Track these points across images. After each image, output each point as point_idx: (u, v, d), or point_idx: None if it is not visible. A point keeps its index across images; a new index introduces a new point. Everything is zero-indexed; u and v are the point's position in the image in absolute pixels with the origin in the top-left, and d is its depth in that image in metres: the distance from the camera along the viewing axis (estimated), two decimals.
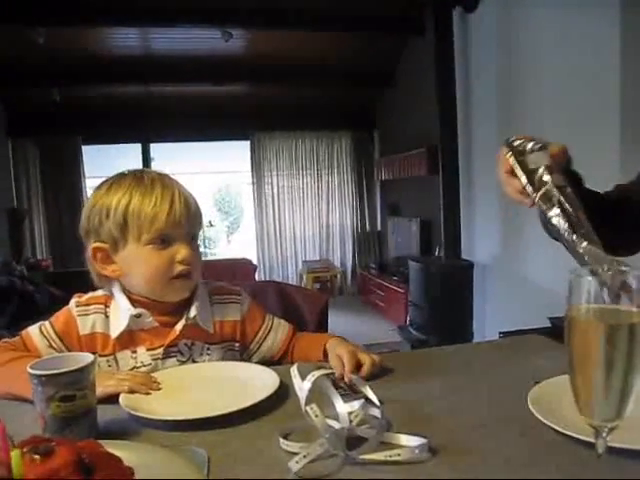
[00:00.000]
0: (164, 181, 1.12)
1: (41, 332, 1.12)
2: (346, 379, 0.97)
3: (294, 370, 0.78)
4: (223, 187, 9.76)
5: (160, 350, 1.13)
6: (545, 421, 0.77)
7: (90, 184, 6.74)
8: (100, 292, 1.18)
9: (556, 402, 0.78)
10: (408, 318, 5.21)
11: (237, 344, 1.22)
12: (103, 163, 6.80)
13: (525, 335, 1.28)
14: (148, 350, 1.14)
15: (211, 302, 1.21)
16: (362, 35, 5.65)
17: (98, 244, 1.11)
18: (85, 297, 1.17)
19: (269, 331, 1.24)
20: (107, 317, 1.14)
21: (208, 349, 1.17)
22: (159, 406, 0.92)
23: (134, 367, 1.13)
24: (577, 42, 3.15)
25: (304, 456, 0.70)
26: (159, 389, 0.99)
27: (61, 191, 6.60)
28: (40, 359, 0.85)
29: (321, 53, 5.89)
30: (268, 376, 1.00)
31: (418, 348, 4.62)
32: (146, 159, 6.89)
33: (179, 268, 1.11)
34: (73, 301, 1.17)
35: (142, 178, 1.12)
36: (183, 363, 1.15)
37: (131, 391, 0.95)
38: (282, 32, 5.40)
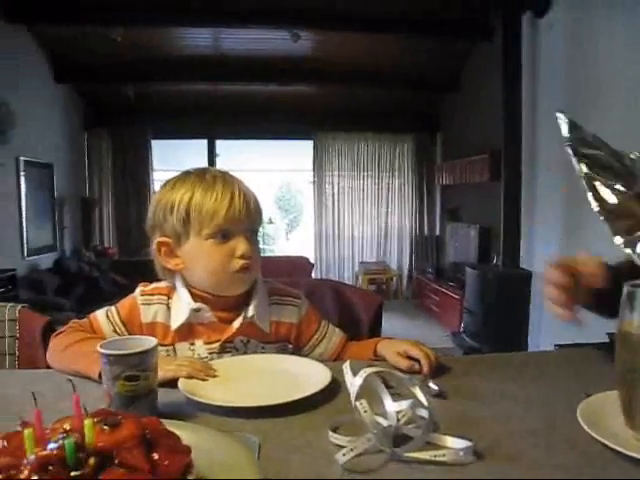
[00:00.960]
0: (225, 178, 1.16)
1: (107, 317, 1.19)
2: (425, 371, 1.04)
3: (346, 366, 0.81)
4: (284, 185, 9.89)
5: (217, 345, 1.17)
6: (593, 434, 0.76)
7: (157, 177, 7.01)
8: (164, 284, 1.23)
9: (606, 416, 0.77)
10: (462, 325, 5.14)
11: (290, 346, 1.25)
12: (171, 157, 7.06)
13: (580, 348, 1.25)
14: (205, 344, 1.18)
15: (269, 302, 1.24)
16: (428, 38, 5.61)
17: (162, 238, 1.16)
18: (150, 287, 1.23)
19: (323, 337, 1.27)
20: (169, 308, 1.19)
21: (263, 348, 1.21)
22: (215, 393, 0.96)
23: None
24: None
25: (351, 449, 0.73)
26: (215, 376, 1.03)
27: (130, 182, 6.89)
28: (109, 340, 0.91)
29: (386, 56, 5.89)
30: (321, 371, 1.03)
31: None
32: (211, 155, 7.09)
33: (239, 263, 1.13)
34: (138, 290, 1.22)
35: (204, 175, 1.16)
36: None
37: (189, 377, 1.00)
38: (349, 35, 5.43)
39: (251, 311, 1.17)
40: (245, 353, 1.19)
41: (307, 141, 7.19)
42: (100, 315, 1.20)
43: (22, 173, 5.15)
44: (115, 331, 1.17)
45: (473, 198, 6.18)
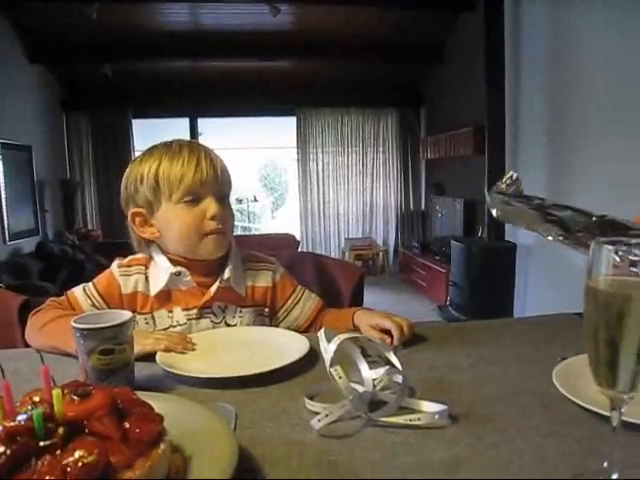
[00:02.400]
0: (192, 146, 1.20)
1: (85, 292, 1.20)
2: (396, 343, 1.05)
3: (321, 333, 0.81)
4: (269, 163, 9.84)
5: (195, 311, 1.19)
6: (567, 394, 0.78)
7: None
8: (140, 255, 1.24)
9: (579, 378, 0.78)
10: (448, 298, 5.19)
11: (266, 309, 1.27)
12: (152, 137, 6.94)
13: (558, 314, 1.26)
14: (183, 310, 1.19)
15: (244, 268, 1.26)
16: (411, 9, 5.54)
17: (136, 209, 1.19)
18: (127, 259, 1.24)
19: (298, 300, 1.29)
20: (147, 278, 1.21)
21: (240, 311, 1.23)
22: (193, 365, 0.96)
23: (170, 326, 1.19)
24: (634, 20, 3.01)
25: (326, 415, 0.73)
26: (194, 349, 1.04)
27: (111, 163, 6.79)
28: (83, 314, 0.91)
29: (368, 28, 5.82)
30: (298, 341, 1.04)
31: None
32: (193, 133, 7.02)
33: (210, 225, 1.16)
34: (115, 263, 1.24)
35: (171, 145, 1.19)
36: (216, 324, 1.20)
37: (167, 350, 1.00)
38: (329, 7, 5.35)
39: (227, 273, 1.19)
40: (223, 319, 1.21)
41: (290, 117, 7.12)
42: (77, 291, 1.21)
43: None
44: (93, 305, 1.18)
45: (458, 172, 6.19)
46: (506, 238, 4.61)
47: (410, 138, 7.35)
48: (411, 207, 7.50)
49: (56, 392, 0.55)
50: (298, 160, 7.23)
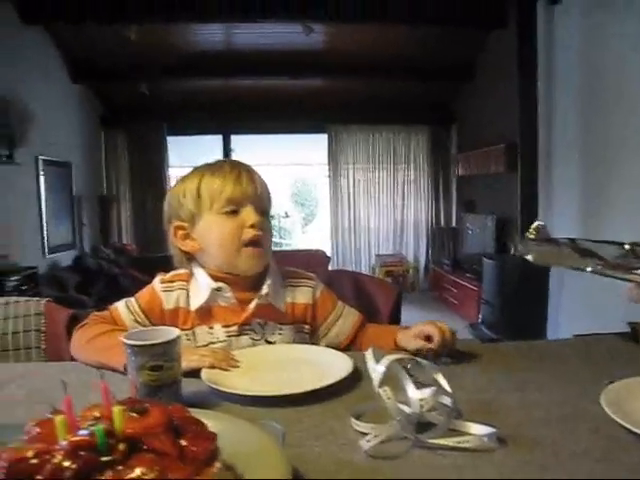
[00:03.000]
0: (233, 162, 1.26)
1: (127, 307, 1.22)
2: (436, 346, 1.08)
3: (369, 353, 0.81)
4: (300, 179, 9.90)
5: (235, 327, 1.20)
6: (617, 419, 0.76)
7: (173, 173, 7.07)
8: (182, 270, 1.26)
9: (629, 402, 0.77)
10: (480, 316, 5.12)
11: (307, 326, 1.27)
12: (186, 153, 7.10)
13: (600, 336, 1.24)
14: (224, 327, 1.20)
15: (284, 284, 1.27)
16: (441, 27, 5.55)
17: (178, 222, 1.22)
18: (169, 275, 1.26)
19: (339, 317, 1.29)
20: (188, 293, 1.23)
21: (280, 328, 1.23)
22: (237, 382, 0.97)
23: (210, 342, 1.20)
24: None
25: (375, 436, 0.73)
26: (237, 366, 1.05)
27: (146, 179, 6.94)
28: (133, 331, 0.93)
29: (400, 46, 5.84)
30: (342, 360, 1.04)
31: None
32: (226, 150, 7.12)
33: (250, 233, 1.18)
34: (157, 279, 1.26)
35: (213, 163, 1.25)
36: (256, 341, 1.21)
37: (212, 366, 1.01)
38: (360, 26, 5.39)
39: (265, 289, 1.20)
40: (263, 335, 1.21)
41: (322, 134, 7.18)
42: (120, 306, 1.23)
43: (41, 172, 5.21)
44: (136, 320, 1.20)
45: (489, 189, 6.13)
46: None
47: (441, 155, 7.33)
48: (442, 224, 7.45)
49: (117, 409, 0.57)
50: (329, 176, 7.26)
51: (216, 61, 5.98)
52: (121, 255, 6.32)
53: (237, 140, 7.23)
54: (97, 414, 0.59)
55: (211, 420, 0.70)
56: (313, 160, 7.69)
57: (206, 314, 1.21)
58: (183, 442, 0.59)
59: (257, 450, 0.68)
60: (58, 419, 0.55)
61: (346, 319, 1.29)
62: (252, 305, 1.20)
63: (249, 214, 1.18)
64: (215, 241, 1.19)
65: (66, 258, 5.65)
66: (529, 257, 0.97)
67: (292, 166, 8.23)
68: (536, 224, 1.00)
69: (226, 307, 1.21)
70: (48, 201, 5.33)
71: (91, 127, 6.61)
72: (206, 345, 1.20)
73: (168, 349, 0.85)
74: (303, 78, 6.36)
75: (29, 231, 5.04)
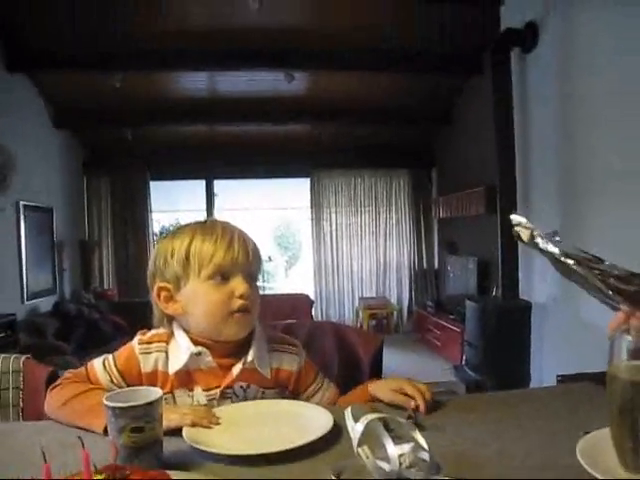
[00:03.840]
0: (225, 225, 1.20)
1: (104, 367, 1.18)
2: (421, 409, 1.07)
3: (348, 412, 0.82)
4: (283, 223, 9.95)
5: (216, 391, 1.17)
6: (592, 472, 0.78)
7: (156, 217, 7.08)
8: (162, 330, 1.22)
9: (604, 453, 0.78)
10: (464, 358, 5.12)
11: (288, 392, 1.25)
12: (169, 198, 7.13)
13: (578, 383, 1.26)
14: (204, 390, 1.17)
15: (269, 349, 1.24)
16: (420, 74, 5.73)
17: (163, 283, 1.18)
18: (148, 335, 1.22)
19: (319, 389, 1.28)
20: (167, 355, 1.19)
21: (263, 393, 1.21)
22: (219, 440, 0.96)
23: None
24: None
25: None
26: (219, 424, 1.03)
27: (129, 224, 6.94)
28: (114, 392, 0.93)
29: (380, 92, 6.02)
30: (323, 416, 1.04)
31: (473, 388, 4.52)
32: (210, 195, 7.17)
33: (238, 303, 1.15)
34: (136, 339, 1.21)
35: (204, 222, 1.22)
36: None
37: (193, 424, 1.00)
38: (341, 73, 5.55)
39: (251, 356, 1.17)
40: (245, 399, 1.18)
41: (304, 179, 7.28)
42: (97, 364, 1.19)
43: (22, 217, 5.19)
44: (112, 381, 1.17)
45: (470, 231, 6.23)
46: (521, 297, 4.59)
47: (422, 198, 7.47)
48: (424, 265, 7.51)
49: (97, 479, 0.57)
50: (312, 220, 7.33)
51: (200, 107, 6.09)
52: (102, 300, 6.26)
53: (220, 185, 7.29)
54: None
55: None
56: (296, 204, 7.76)
57: (185, 377, 1.18)
58: None
59: None
60: None
61: (325, 392, 1.28)
62: (236, 370, 1.17)
63: (238, 284, 1.15)
64: (201, 308, 1.16)
65: (46, 304, 5.58)
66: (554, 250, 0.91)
67: (275, 210, 8.29)
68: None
69: (207, 371, 1.18)
70: (28, 246, 5.29)
71: (73, 172, 6.63)
72: None
73: (150, 410, 0.85)
74: (286, 124, 6.49)
75: (8, 277, 4.97)
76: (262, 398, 1.20)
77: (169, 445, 0.94)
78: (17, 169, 4.93)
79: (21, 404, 1.31)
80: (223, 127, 6.56)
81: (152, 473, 0.64)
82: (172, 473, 0.71)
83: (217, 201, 7.19)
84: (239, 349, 1.20)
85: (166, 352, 1.19)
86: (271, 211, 8.08)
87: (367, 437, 0.80)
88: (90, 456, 0.64)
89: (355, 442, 0.77)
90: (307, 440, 0.93)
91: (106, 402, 0.85)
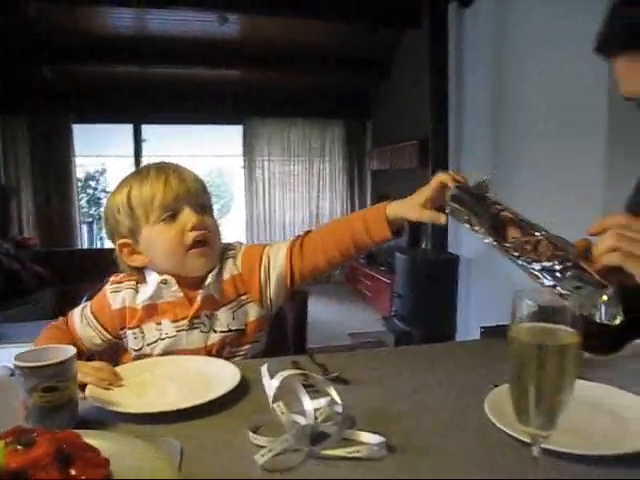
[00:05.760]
0: (159, 165, 1.22)
1: (81, 311, 1.25)
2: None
3: (264, 369, 0.84)
4: (215, 170, 9.75)
5: (184, 322, 1.19)
6: (495, 422, 0.83)
7: (80, 162, 6.74)
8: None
9: (507, 405, 0.83)
10: (393, 309, 5.28)
11: (245, 296, 1.23)
12: (95, 142, 6.80)
13: (497, 338, 1.33)
14: (172, 322, 1.19)
15: (219, 267, 1.24)
16: (358, 24, 5.63)
17: (121, 240, 1.20)
18: (120, 276, 1.26)
19: (269, 262, 1.24)
20: (137, 292, 1.22)
21: (217, 315, 1.21)
22: (129, 398, 0.96)
23: (158, 339, 1.19)
24: (570, 42, 3.17)
25: (269, 450, 0.76)
26: (121, 386, 1.01)
27: (50, 169, 6.56)
28: (26, 351, 0.89)
29: (317, 40, 5.89)
30: (229, 370, 1.04)
31: (402, 339, 4.70)
32: (137, 140, 6.88)
33: (192, 235, 1.16)
34: (109, 280, 1.26)
35: (140, 171, 1.22)
36: (205, 334, 1.20)
37: (93, 384, 0.98)
38: (277, 18, 5.38)
39: (208, 280, 1.19)
40: (211, 327, 1.20)
41: (237, 126, 7.11)
42: (76, 312, 1.26)
43: None
44: (88, 324, 1.23)
45: (403, 184, 6.31)
46: (449, 250, 4.75)
47: (356, 149, 7.47)
48: None
49: None
50: (244, 168, 7.22)
51: (128, 47, 5.75)
52: (22, 249, 5.97)
53: (150, 130, 7.00)
54: None
55: (106, 442, 0.70)
56: (228, 151, 7.60)
57: (153, 310, 1.20)
58: (73, 471, 0.59)
59: (152, 470, 0.68)
60: None
61: (277, 256, 1.23)
62: (199, 297, 1.18)
63: (187, 216, 1.16)
64: (160, 250, 1.18)
65: None
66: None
67: (206, 157, 8.09)
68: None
69: (174, 302, 1.20)
70: None
71: None
72: (155, 342, 1.19)
73: (62, 370, 0.83)
74: (218, 68, 6.26)
75: None
76: (218, 319, 1.20)
77: (83, 404, 0.92)
78: None
79: None
80: (153, 69, 6.23)
81: (61, 434, 0.63)
82: (85, 433, 0.69)
83: (146, 147, 6.91)
84: (203, 278, 1.20)
85: (136, 289, 1.22)
86: (202, 159, 7.88)
87: (285, 393, 0.81)
88: None
89: (271, 398, 0.78)
90: (220, 393, 0.94)
91: (15, 362, 0.82)
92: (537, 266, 0.77)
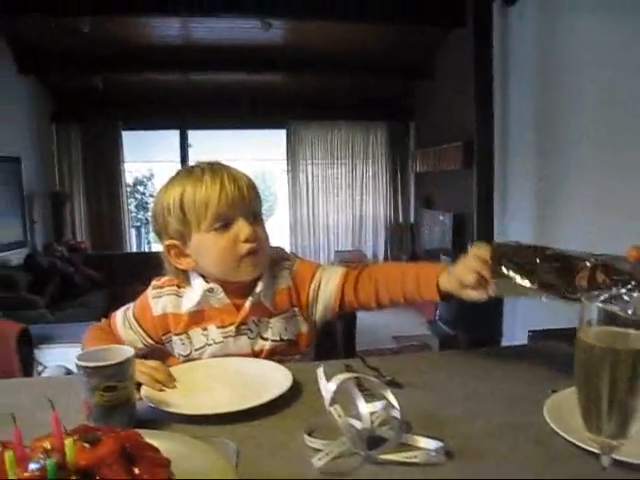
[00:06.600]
0: (213, 168, 1.16)
1: (124, 314, 1.25)
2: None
3: (320, 371, 0.83)
4: (259, 174, 9.86)
5: (231, 328, 1.18)
6: (558, 430, 0.80)
7: (129, 168, 6.93)
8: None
9: (570, 412, 0.80)
10: (437, 313, 5.21)
11: (296, 309, 1.23)
12: (142, 148, 6.98)
13: (547, 342, 1.29)
14: (219, 328, 1.19)
15: (271, 275, 1.23)
16: (402, 25, 5.60)
17: (169, 241, 1.18)
18: (162, 280, 1.25)
19: (320, 284, 1.23)
20: (180, 297, 1.21)
21: (269, 322, 1.20)
22: (180, 399, 0.97)
23: (205, 344, 1.19)
24: (625, 45, 3.07)
25: (327, 454, 0.75)
26: (174, 387, 1.02)
27: (101, 175, 6.78)
28: (86, 350, 0.92)
29: (360, 43, 5.87)
30: (280, 372, 1.05)
31: (446, 343, 4.63)
32: (184, 146, 7.02)
33: (245, 247, 1.14)
34: (151, 285, 1.25)
35: (192, 170, 1.17)
36: (252, 340, 1.19)
37: (148, 385, 0.99)
38: (321, 22, 5.40)
39: (259, 288, 1.18)
40: (258, 333, 1.19)
41: (280, 130, 7.16)
42: (118, 314, 1.25)
43: None
44: (130, 328, 1.22)
45: (447, 185, 6.24)
46: None
47: (399, 151, 7.42)
48: (400, 220, 7.54)
49: (68, 441, 0.57)
50: (288, 172, 7.26)
51: (174, 55, 5.89)
52: (75, 253, 6.18)
53: (195, 135, 7.14)
54: (48, 446, 0.59)
55: (165, 442, 0.71)
56: (272, 155, 7.67)
57: (199, 316, 1.19)
58: (136, 470, 0.60)
59: (210, 470, 0.69)
60: (8, 455, 0.54)
61: (329, 281, 1.23)
62: (247, 304, 1.17)
63: (241, 227, 1.13)
64: (210, 258, 1.16)
65: (17, 257, 5.47)
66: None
67: (251, 162, 8.19)
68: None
69: (220, 309, 1.19)
70: None
71: (42, 121, 6.41)
72: (202, 347, 1.19)
73: (121, 369, 0.85)
74: (262, 73, 6.32)
75: None
76: (270, 328, 1.20)
77: (142, 404, 0.94)
78: None
79: None
80: (198, 76, 6.36)
81: (124, 433, 0.64)
82: (146, 432, 0.70)
83: (191, 152, 7.05)
84: (252, 285, 1.19)
85: (178, 294, 1.21)
86: (246, 163, 7.98)
87: (340, 395, 0.81)
88: (60, 411, 0.63)
89: (327, 401, 0.78)
90: (273, 396, 0.94)
91: (78, 362, 0.84)
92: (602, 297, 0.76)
